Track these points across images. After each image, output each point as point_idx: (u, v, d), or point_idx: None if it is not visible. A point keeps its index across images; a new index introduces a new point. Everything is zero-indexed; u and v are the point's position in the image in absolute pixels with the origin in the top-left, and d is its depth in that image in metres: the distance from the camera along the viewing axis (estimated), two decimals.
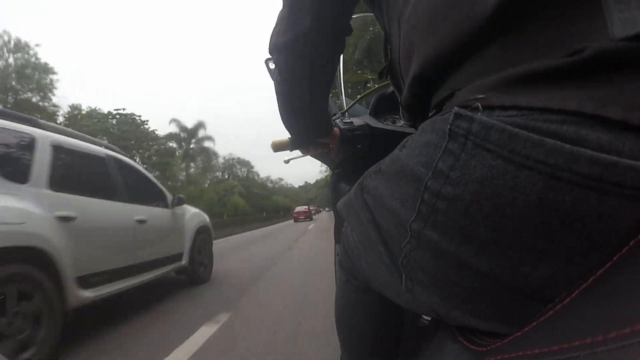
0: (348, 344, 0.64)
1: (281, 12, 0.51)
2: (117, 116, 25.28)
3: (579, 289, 0.24)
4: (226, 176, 40.99)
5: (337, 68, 0.58)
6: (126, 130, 24.87)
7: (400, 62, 0.41)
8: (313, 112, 0.62)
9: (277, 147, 0.75)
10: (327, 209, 62.44)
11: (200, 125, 32.25)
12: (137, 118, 25.87)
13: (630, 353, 0.18)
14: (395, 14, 0.41)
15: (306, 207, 29.50)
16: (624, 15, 0.24)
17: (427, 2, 0.34)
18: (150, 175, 3.42)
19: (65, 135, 2.27)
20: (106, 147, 2.78)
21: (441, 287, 0.32)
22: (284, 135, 0.73)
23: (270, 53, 0.54)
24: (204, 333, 2.12)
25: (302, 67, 0.52)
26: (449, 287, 0.31)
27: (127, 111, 25.86)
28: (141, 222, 2.72)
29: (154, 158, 26.21)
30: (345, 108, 0.87)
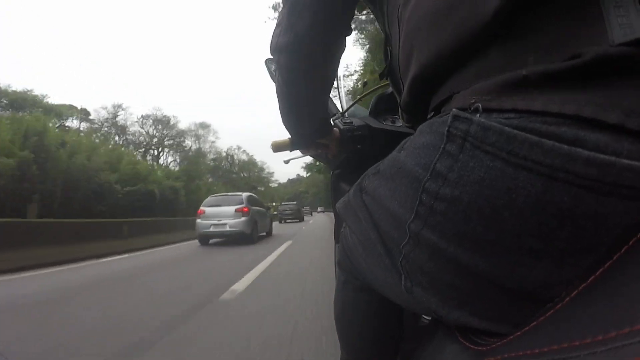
0: (348, 344, 0.64)
1: (282, 12, 0.51)
2: None
3: (579, 288, 0.24)
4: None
5: (337, 68, 0.59)
6: None
7: (400, 63, 0.41)
8: (313, 113, 0.62)
9: (277, 147, 0.75)
10: (320, 209, 55.25)
11: None
12: None
13: (630, 353, 0.18)
14: (395, 15, 0.41)
15: None
16: (623, 20, 0.24)
17: (427, 5, 0.34)
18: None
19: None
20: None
21: (440, 287, 0.32)
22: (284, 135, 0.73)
23: (271, 53, 0.54)
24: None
25: (303, 67, 0.52)
26: (448, 288, 0.31)
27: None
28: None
29: None
30: (345, 108, 0.87)
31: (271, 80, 0.70)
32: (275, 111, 0.63)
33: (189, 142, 40.00)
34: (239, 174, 47.33)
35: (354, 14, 0.52)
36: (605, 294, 0.22)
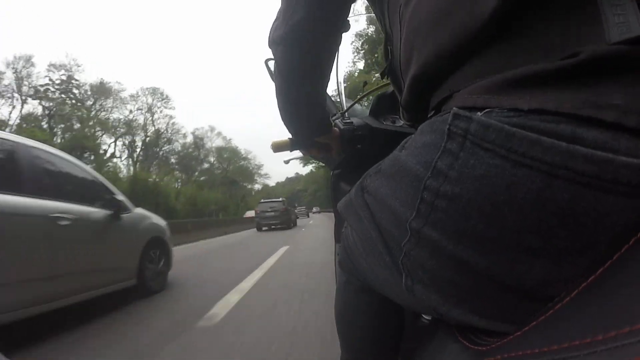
0: (348, 344, 0.64)
1: (279, 8, 0.52)
2: None
3: (579, 288, 0.24)
4: None
5: (333, 64, 0.59)
6: None
7: (401, 62, 0.41)
8: (310, 109, 0.62)
9: (277, 147, 0.75)
10: (315, 209, 50.50)
11: None
12: None
13: (630, 352, 0.18)
14: (396, 14, 0.41)
15: None
16: (620, 19, 0.24)
17: (427, 4, 0.34)
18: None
19: None
20: None
21: (440, 285, 0.32)
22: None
23: (269, 47, 0.55)
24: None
25: (297, 59, 0.53)
26: (448, 286, 0.31)
27: None
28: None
29: None
30: (345, 108, 0.87)
31: (271, 81, 0.70)
32: (275, 111, 0.63)
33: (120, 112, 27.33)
34: (215, 165, 34.76)
35: (349, 10, 0.52)
36: (606, 294, 0.22)
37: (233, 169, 37.03)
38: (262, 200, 16.13)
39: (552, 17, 0.27)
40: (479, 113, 0.27)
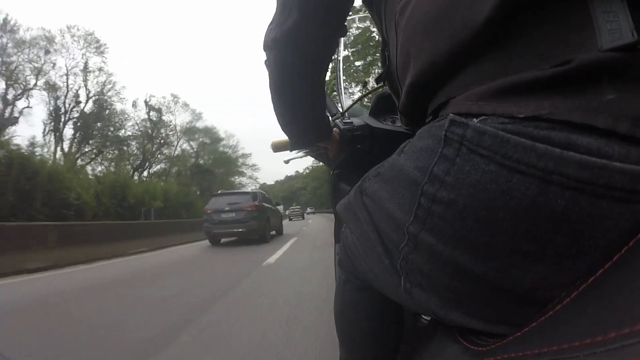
0: (348, 343, 0.64)
1: (275, 12, 0.51)
2: None
3: (579, 290, 0.24)
4: None
5: (328, 69, 0.58)
6: None
7: (398, 68, 0.41)
8: (307, 114, 0.62)
9: (277, 147, 0.75)
10: (309, 210, 49.45)
11: None
12: None
13: (630, 353, 0.18)
14: (392, 21, 0.41)
15: None
16: (612, 26, 0.24)
17: (423, 12, 0.34)
18: None
19: None
20: None
21: (438, 288, 0.32)
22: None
23: (263, 50, 0.55)
24: None
25: (290, 63, 0.52)
26: (446, 289, 0.31)
27: None
28: None
29: None
30: (345, 108, 0.87)
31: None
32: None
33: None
34: (189, 152, 26.06)
35: (346, 15, 0.52)
36: (605, 295, 0.22)
37: (208, 154, 27.30)
38: (218, 192, 9.26)
39: (545, 24, 0.27)
40: (474, 119, 0.28)
